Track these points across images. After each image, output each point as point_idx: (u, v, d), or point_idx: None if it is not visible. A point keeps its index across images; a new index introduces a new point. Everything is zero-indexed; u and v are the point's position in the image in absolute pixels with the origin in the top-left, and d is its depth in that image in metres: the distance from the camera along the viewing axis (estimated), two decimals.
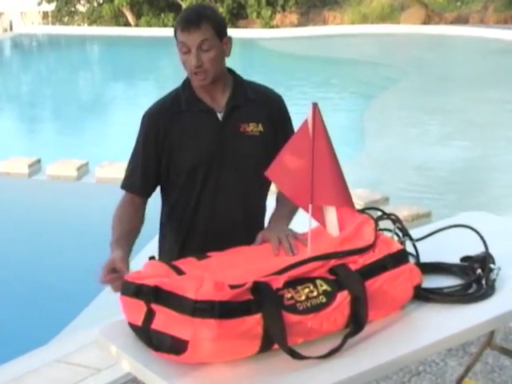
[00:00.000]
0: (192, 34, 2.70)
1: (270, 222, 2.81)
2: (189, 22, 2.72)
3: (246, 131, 2.80)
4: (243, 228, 2.83)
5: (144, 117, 2.89)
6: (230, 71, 2.90)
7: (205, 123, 2.81)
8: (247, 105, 2.82)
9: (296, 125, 2.45)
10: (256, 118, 2.82)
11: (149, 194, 2.91)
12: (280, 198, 2.90)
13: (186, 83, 2.86)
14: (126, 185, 2.91)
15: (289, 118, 2.94)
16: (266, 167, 2.63)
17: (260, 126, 2.81)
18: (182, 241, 2.90)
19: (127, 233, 2.76)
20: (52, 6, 26.92)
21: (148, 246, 3.90)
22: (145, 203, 2.91)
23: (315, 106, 2.35)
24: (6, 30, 27.37)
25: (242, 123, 2.80)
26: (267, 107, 2.86)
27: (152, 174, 2.87)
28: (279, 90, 2.96)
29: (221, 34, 2.78)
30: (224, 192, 2.82)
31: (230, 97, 2.82)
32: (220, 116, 2.80)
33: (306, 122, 2.37)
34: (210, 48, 2.72)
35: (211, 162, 2.79)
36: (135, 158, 2.90)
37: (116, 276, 2.50)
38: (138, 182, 2.87)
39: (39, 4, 26.70)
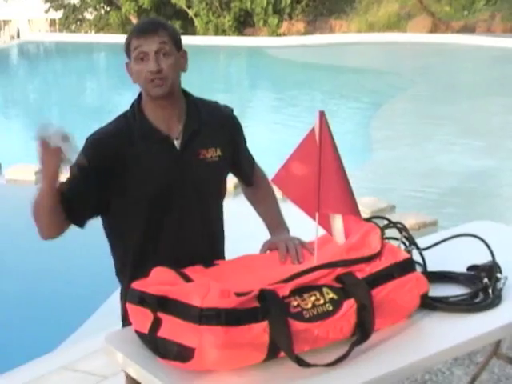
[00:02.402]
0: (149, 39, 2.51)
1: (271, 231, 2.79)
2: (145, 29, 2.54)
3: (205, 157, 2.61)
4: (207, 251, 2.66)
5: (88, 142, 2.60)
6: (183, 92, 2.67)
7: (162, 153, 2.58)
8: (203, 128, 2.63)
9: (303, 133, 2.45)
10: (214, 143, 2.64)
11: (78, 222, 2.61)
12: (256, 201, 2.92)
13: (136, 109, 2.62)
14: None
15: (242, 129, 2.80)
16: (224, 188, 2.73)
17: (218, 150, 2.64)
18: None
19: None
20: (59, 14, 27.00)
21: None
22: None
23: (322, 114, 2.35)
24: (13, 38, 27.48)
25: (201, 149, 2.61)
26: (223, 127, 2.69)
27: (89, 203, 2.58)
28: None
29: (177, 44, 2.59)
30: (187, 222, 2.62)
31: (186, 122, 2.61)
32: (177, 143, 2.59)
33: (312, 129, 2.38)
34: (169, 54, 2.53)
35: (172, 194, 2.58)
36: (72, 181, 2.56)
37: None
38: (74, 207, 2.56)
39: (46, 11, 26.78)
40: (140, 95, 2.65)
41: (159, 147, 2.59)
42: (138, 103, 2.64)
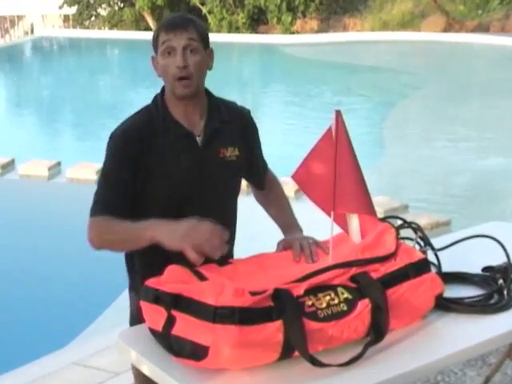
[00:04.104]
0: (178, 35, 2.51)
1: (285, 232, 2.78)
2: (175, 24, 2.54)
3: (225, 156, 2.62)
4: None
5: (112, 138, 2.58)
6: (206, 91, 2.69)
7: (184, 149, 2.59)
8: (223, 127, 2.64)
9: (318, 132, 2.44)
10: (232, 142, 2.65)
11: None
12: (268, 204, 2.90)
13: (159, 103, 2.62)
14: (96, 210, 2.54)
15: (258, 132, 2.81)
16: (239, 186, 2.74)
17: (236, 150, 2.65)
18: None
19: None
20: (73, 10, 27.04)
21: None
22: None
23: (338, 113, 2.34)
24: (27, 33, 27.52)
25: (221, 148, 2.62)
26: (241, 127, 2.70)
27: (127, 199, 2.56)
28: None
29: (205, 42, 2.59)
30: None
31: (207, 120, 2.63)
32: (199, 140, 2.60)
33: (329, 128, 2.37)
34: (196, 51, 2.54)
35: (191, 190, 2.59)
36: (106, 182, 2.58)
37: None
38: (109, 204, 2.53)
39: (60, 7, 26.83)
40: (163, 89, 2.66)
41: (182, 142, 2.59)
42: (161, 97, 2.64)
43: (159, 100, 2.64)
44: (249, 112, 2.79)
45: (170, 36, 2.52)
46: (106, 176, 2.60)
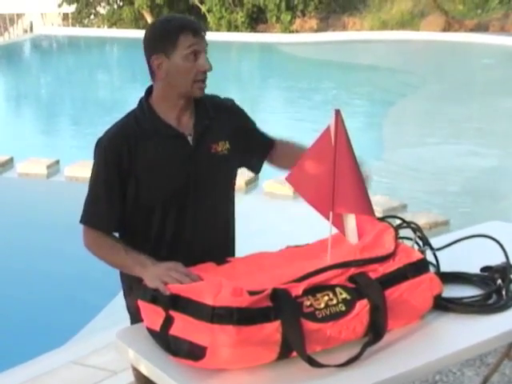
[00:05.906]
0: (202, 39, 2.57)
1: None
2: (198, 28, 2.57)
3: (216, 151, 2.63)
4: (221, 246, 2.70)
5: (100, 145, 2.59)
6: None
7: (176, 149, 2.59)
8: (212, 123, 2.65)
9: (314, 130, 2.44)
10: (223, 136, 2.66)
11: (116, 230, 2.64)
12: (286, 153, 2.85)
13: (145, 106, 2.61)
14: (91, 221, 2.61)
15: (246, 113, 2.82)
16: (234, 179, 2.76)
17: (227, 143, 2.66)
18: None
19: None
20: (72, 8, 27.00)
21: None
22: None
23: (338, 112, 2.34)
24: (26, 31, 27.46)
25: (212, 144, 2.63)
26: (228, 120, 2.71)
27: (118, 208, 2.58)
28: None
29: None
30: (201, 216, 2.62)
31: (197, 118, 2.64)
32: (190, 139, 2.61)
33: (328, 128, 2.36)
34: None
35: (187, 189, 2.59)
36: (96, 191, 2.60)
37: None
38: (103, 218, 2.60)
39: (60, 6, 26.79)
40: (147, 92, 2.65)
41: (173, 143, 2.59)
42: (146, 100, 2.63)
43: (144, 103, 2.63)
44: (232, 101, 2.80)
45: (197, 39, 2.55)
46: (96, 185, 2.61)
